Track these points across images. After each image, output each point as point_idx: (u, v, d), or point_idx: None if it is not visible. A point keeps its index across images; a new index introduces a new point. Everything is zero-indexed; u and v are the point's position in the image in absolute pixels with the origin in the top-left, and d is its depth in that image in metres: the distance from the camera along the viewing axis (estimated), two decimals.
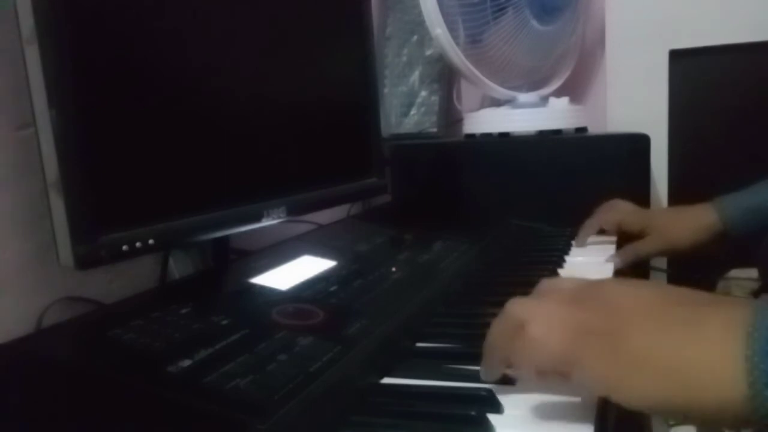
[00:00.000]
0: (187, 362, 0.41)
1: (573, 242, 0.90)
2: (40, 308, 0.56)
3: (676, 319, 0.33)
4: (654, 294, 0.36)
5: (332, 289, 0.60)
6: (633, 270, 0.82)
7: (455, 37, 1.01)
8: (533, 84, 1.13)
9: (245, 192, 0.66)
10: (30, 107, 0.47)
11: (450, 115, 1.31)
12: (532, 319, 0.38)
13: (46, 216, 0.48)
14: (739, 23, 1.12)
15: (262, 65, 0.69)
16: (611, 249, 0.84)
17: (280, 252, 0.70)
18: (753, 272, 0.89)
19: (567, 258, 0.82)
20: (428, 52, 1.28)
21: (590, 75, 1.27)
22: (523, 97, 1.10)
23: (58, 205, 0.47)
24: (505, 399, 0.41)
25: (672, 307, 0.35)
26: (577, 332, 0.36)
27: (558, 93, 1.13)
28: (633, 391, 0.33)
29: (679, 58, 1.17)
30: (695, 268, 0.93)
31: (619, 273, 0.77)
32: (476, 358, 0.44)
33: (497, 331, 0.41)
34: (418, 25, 1.26)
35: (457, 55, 1.01)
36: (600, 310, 0.36)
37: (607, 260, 0.80)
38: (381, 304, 0.57)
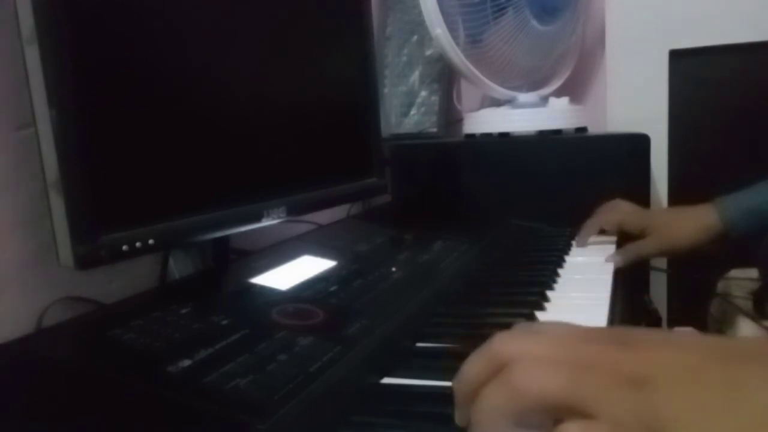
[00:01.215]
0: (187, 362, 0.41)
1: (573, 242, 0.90)
2: (40, 308, 0.56)
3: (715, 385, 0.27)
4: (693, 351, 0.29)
5: (332, 289, 0.60)
6: (633, 269, 0.82)
7: (455, 37, 1.01)
8: (533, 84, 1.13)
9: (245, 192, 0.66)
10: (30, 107, 0.47)
11: (450, 115, 1.31)
12: (521, 358, 0.29)
13: (46, 216, 0.48)
14: (739, 23, 1.12)
15: (262, 65, 0.69)
16: (611, 249, 0.84)
17: (280, 252, 0.70)
18: (753, 272, 0.90)
19: (567, 258, 0.82)
20: (428, 52, 1.28)
21: (590, 75, 1.27)
22: (523, 97, 1.10)
23: (58, 205, 0.47)
24: None
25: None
26: (589, 370, 0.28)
27: (558, 93, 1.13)
28: None
29: (679, 58, 1.17)
30: (695, 268, 0.94)
31: (619, 272, 0.77)
32: None
33: (473, 369, 0.31)
34: (418, 25, 1.26)
35: (457, 55, 1.01)
36: (627, 350, 0.29)
37: (607, 260, 0.80)
38: (381, 304, 0.57)
